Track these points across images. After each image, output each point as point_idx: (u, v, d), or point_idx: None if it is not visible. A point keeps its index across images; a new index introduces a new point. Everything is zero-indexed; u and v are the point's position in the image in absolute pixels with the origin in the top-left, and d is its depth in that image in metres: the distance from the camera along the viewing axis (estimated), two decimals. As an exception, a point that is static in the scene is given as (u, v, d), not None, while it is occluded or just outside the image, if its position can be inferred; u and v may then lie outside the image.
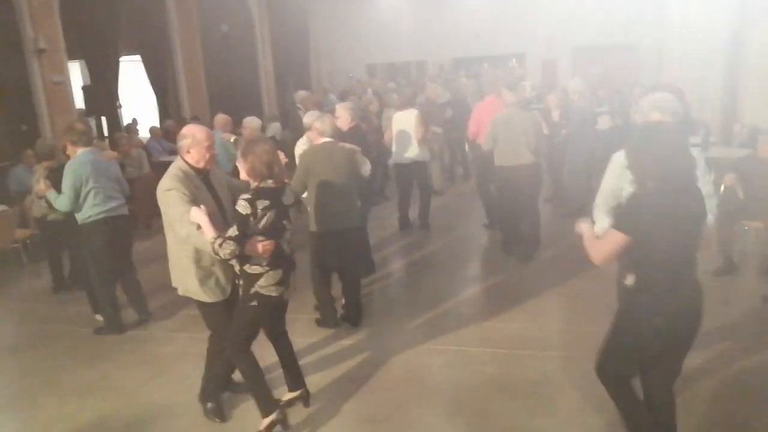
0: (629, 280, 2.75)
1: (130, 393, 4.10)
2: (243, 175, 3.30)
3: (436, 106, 8.95)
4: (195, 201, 3.27)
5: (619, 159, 3.26)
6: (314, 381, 3.98)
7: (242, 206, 3.15)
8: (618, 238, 2.62)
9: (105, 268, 4.98)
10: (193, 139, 3.36)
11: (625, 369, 2.90)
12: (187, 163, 3.39)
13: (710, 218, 3.28)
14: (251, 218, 3.15)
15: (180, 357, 4.56)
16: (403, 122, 7.16)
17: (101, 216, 4.81)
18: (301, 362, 3.89)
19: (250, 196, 3.17)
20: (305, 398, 3.72)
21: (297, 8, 15.43)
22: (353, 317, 4.86)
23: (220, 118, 7.56)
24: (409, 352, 4.41)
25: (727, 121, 9.65)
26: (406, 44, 16.27)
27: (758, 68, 8.81)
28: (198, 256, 3.37)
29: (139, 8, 11.02)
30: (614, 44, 14.20)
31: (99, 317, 5.22)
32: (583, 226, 2.87)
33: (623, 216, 2.71)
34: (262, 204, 3.17)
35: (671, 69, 10.78)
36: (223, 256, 3.12)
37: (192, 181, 3.35)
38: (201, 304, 3.53)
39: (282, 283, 3.36)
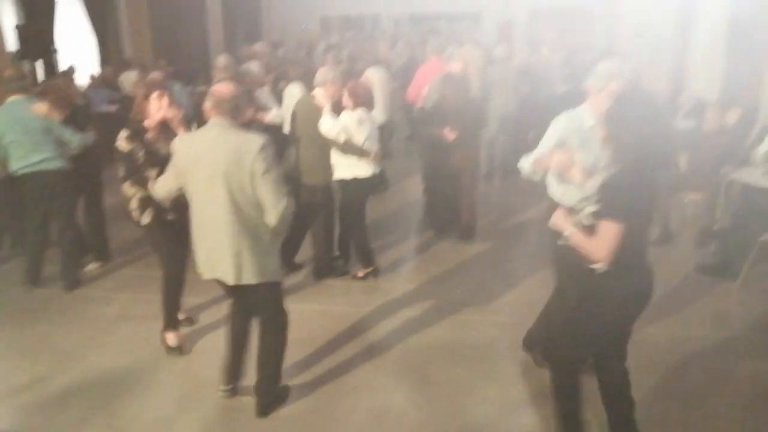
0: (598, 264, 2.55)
1: (68, 356, 3.95)
2: None
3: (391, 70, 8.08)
4: None
5: (561, 122, 3.27)
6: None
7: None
8: (615, 230, 2.42)
9: (27, 223, 4.96)
10: None
11: (581, 352, 2.83)
12: None
13: None
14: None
15: (120, 319, 4.42)
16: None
17: (25, 170, 4.63)
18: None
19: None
20: None
21: (249, -46, 14.72)
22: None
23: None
24: (360, 315, 4.41)
25: (674, 91, 9.84)
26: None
27: (707, 40, 8.96)
28: None
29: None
30: (570, 7, 14.19)
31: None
32: (561, 220, 2.66)
33: (612, 204, 2.47)
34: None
35: (623, 36, 10.89)
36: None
37: None
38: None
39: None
